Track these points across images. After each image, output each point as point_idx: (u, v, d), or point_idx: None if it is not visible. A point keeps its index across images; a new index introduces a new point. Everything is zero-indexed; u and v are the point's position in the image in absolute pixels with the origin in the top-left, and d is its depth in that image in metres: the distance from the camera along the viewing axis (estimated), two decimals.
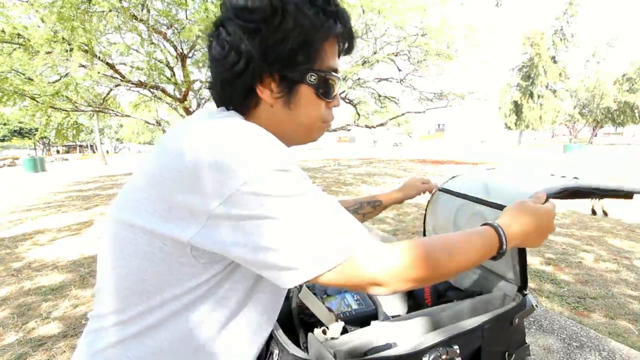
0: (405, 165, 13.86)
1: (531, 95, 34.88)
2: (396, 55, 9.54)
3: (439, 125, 71.47)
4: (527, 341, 0.74)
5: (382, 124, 12.43)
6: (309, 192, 0.42)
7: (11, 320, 2.38)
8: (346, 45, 0.52)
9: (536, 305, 0.67)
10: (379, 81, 10.83)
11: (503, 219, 0.56)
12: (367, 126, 12.33)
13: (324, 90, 0.50)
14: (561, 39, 34.35)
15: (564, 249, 3.55)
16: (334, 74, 0.51)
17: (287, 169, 0.41)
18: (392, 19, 7.46)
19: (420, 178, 1.07)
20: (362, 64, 8.96)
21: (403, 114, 12.20)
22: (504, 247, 0.52)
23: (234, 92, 0.49)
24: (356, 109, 11.90)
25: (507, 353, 0.64)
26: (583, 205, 5.50)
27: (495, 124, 43.28)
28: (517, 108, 35.41)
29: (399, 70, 10.24)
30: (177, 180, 0.39)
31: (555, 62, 34.88)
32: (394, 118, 12.25)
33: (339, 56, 0.53)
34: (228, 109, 0.52)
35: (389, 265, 0.43)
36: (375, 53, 9.34)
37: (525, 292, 0.69)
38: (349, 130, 12.49)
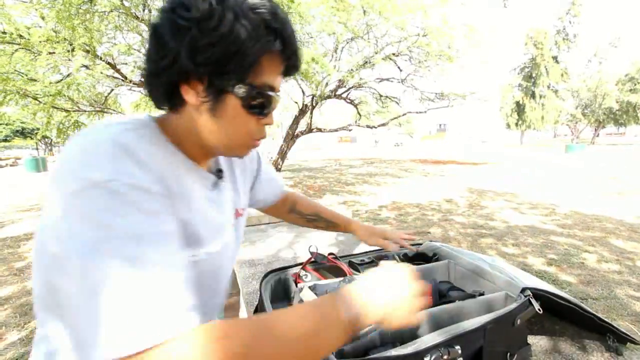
0: (406, 165, 13.85)
1: (533, 95, 34.80)
2: (397, 56, 9.53)
3: (440, 125, 71.41)
4: (529, 342, 0.74)
5: (383, 124, 12.42)
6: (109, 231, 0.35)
7: (13, 319, 2.38)
8: (288, 65, 0.50)
9: (539, 309, 0.67)
10: (380, 81, 10.82)
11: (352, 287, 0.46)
12: (368, 126, 12.32)
13: (254, 105, 0.48)
14: (564, 39, 34.25)
15: (566, 249, 3.54)
16: (268, 91, 0.49)
17: (96, 190, 0.36)
18: (393, 20, 7.45)
19: (395, 234, 0.93)
20: (363, 64, 8.95)
21: (404, 114, 12.18)
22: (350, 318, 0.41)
23: (158, 87, 0.48)
24: (357, 109, 11.89)
25: (508, 353, 0.64)
26: (585, 206, 5.48)
27: (497, 124, 43.21)
28: (519, 108, 35.34)
29: (400, 70, 10.23)
30: None
31: (557, 62, 34.79)
32: (395, 118, 12.24)
33: (285, 75, 0.52)
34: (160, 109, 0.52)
35: None
36: (376, 53, 9.34)
37: (527, 294, 0.68)
38: (350, 130, 12.49)
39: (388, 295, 0.46)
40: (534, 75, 34.82)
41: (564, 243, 3.74)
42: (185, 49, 0.42)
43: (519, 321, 0.63)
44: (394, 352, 0.51)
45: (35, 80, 6.90)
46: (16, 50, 5.65)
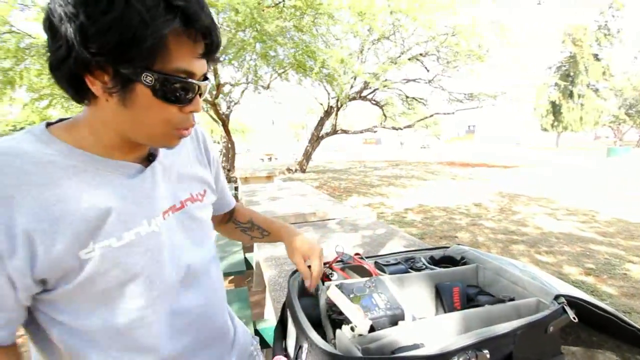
0: (433, 167, 13.53)
1: (571, 95, 32.90)
2: (424, 56, 9.36)
3: (469, 126, 69.09)
4: (563, 352, 0.71)
5: (409, 126, 12.23)
6: None
7: None
8: (202, 46, 0.45)
9: (574, 318, 0.64)
10: (406, 82, 10.66)
11: None
12: (394, 128, 12.18)
13: (168, 93, 0.45)
14: (605, 35, 32.12)
15: (606, 259, 3.33)
16: (181, 77, 0.44)
17: None
18: (421, 19, 7.33)
19: (316, 260, 0.76)
20: (390, 65, 8.86)
21: (431, 115, 11.95)
22: None
23: (61, 80, 0.44)
24: (383, 110, 11.78)
25: None
26: (630, 213, 5.11)
27: (531, 125, 41.19)
28: (555, 109, 33.52)
29: (427, 70, 10.03)
30: None
31: (598, 59, 32.69)
32: (421, 120, 12.02)
33: (206, 57, 0.47)
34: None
35: None
36: (402, 54, 9.21)
37: (561, 301, 0.66)
38: (375, 132, 12.39)
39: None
40: (572, 74, 32.93)
41: (605, 252, 3.51)
42: (77, 38, 0.39)
43: (551, 328, 0.61)
44: (421, 351, 0.52)
45: None
46: None
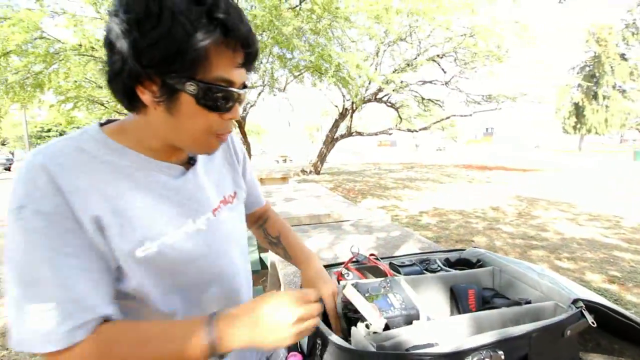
0: (449, 170, 13.31)
1: (595, 96, 31.73)
2: (441, 57, 9.23)
3: (487, 129, 67.59)
4: (582, 358, 0.70)
5: (425, 128, 12.08)
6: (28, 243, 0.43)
7: None
8: (242, 55, 0.48)
9: (593, 322, 0.64)
10: (422, 84, 10.55)
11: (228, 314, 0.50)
12: (409, 130, 12.05)
13: (209, 101, 0.48)
14: (633, 34, 30.83)
15: (632, 266, 3.20)
16: (222, 85, 0.47)
17: (11, 216, 0.43)
18: (438, 20, 7.25)
19: (330, 299, 0.70)
20: (405, 67, 8.79)
21: (448, 118, 11.75)
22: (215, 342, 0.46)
23: (117, 91, 0.49)
24: (398, 112, 11.68)
25: None
26: None
27: (552, 128, 39.93)
28: (578, 110, 32.40)
29: (444, 72, 9.89)
30: None
31: (625, 59, 31.41)
32: (438, 122, 11.84)
33: (245, 66, 0.50)
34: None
35: None
36: (419, 55, 9.12)
37: (579, 305, 0.65)
38: (390, 134, 12.30)
39: (264, 321, 0.48)
40: (596, 74, 31.75)
41: (630, 260, 3.37)
42: (130, 52, 0.43)
43: (568, 332, 0.61)
44: (435, 350, 0.52)
45: (101, 88, 7.69)
46: (88, 62, 6.33)
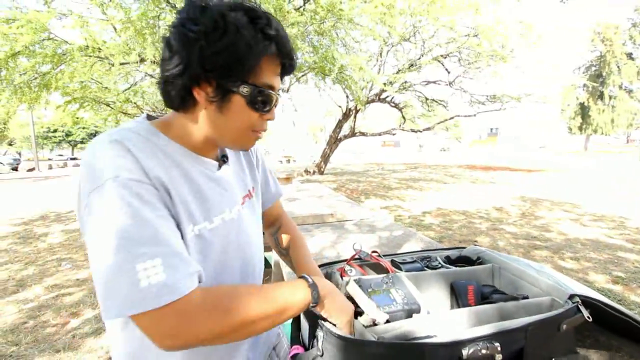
0: (453, 171, 13.27)
1: (601, 96, 31.45)
2: (445, 57, 9.21)
3: (491, 129, 67.18)
4: (579, 352, 0.71)
5: (428, 128, 12.05)
6: (117, 217, 0.44)
7: (89, 298, 2.72)
8: (285, 66, 0.58)
9: (588, 317, 0.65)
10: (426, 84, 10.52)
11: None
12: (413, 130, 12.03)
13: (256, 102, 0.55)
14: None
15: (636, 267, 3.19)
16: (268, 90, 0.55)
17: (105, 187, 0.45)
18: (442, 20, 7.23)
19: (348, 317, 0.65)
20: (409, 67, 8.78)
21: (452, 118, 11.70)
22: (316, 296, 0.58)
23: (173, 91, 0.54)
24: (402, 112, 11.67)
25: (552, 359, 0.63)
26: None
27: (557, 128, 39.62)
28: (584, 110, 32.13)
29: (448, 72, 9.86)
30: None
31: (631, 58, 31.09)
32: (441, 122, 11.81)
33: (282, 75, 0.59)
34: (174, 109, 0.59)
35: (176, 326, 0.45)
36: (423, 55, 9.10)
37: (575, 300, 0.67)
38: (393, 134, 12.29)
39: (341, 300, 0.62)
40: (602, 74, 31.47)
41: (635, 260, 3.36)
42: (195, 57, 0.50)
43: (564, 326, 0.62)
44: (432, 340, 0.54)
45: (107, 89, 7.77)
46: (94, 63, 6.40)
